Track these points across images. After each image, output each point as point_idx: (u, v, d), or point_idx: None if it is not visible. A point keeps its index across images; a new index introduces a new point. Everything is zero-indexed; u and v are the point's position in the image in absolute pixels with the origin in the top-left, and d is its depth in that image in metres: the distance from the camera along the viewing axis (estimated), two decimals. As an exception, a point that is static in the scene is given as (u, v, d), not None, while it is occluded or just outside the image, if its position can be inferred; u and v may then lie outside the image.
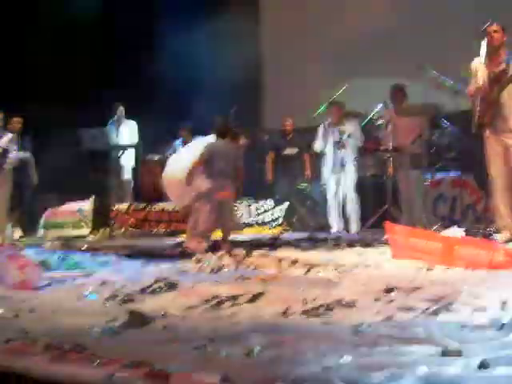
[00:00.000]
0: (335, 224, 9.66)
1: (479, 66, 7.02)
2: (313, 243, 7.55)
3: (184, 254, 6.84)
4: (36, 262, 5.32)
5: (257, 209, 11.37)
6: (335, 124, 9.68)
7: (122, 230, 10.87)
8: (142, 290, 4.27)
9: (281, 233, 9.85)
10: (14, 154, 10.02)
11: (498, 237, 6.76)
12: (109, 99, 11.97)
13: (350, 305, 3.53)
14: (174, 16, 12.90)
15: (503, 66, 6.93)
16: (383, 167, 8.78)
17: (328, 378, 2.23)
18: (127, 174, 11.97)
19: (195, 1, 12.91)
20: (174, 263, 5.82)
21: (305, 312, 3.42)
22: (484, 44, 6.91)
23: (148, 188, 11.21)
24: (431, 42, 10.75)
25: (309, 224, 10.22)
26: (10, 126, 10.82)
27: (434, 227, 7.93)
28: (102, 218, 11.09)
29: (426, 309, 3.36)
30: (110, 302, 4.01)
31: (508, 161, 6.94)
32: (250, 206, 11.35)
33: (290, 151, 11.34)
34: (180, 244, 7.81)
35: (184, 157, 8.02)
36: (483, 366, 2.24)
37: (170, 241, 8.62)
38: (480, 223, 7.99)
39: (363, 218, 9.60)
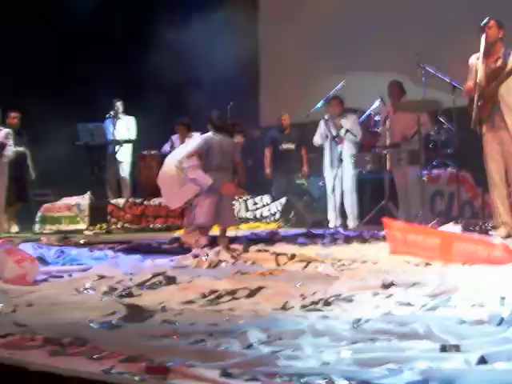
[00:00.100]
0: (333, 219, 9.68)
1: (477, 62, 7.03)
2: (310, 239, 7.55)
3: (182, 248, 6.84)
4: (33, 256, 5.30)
5: (254, 204, 11.38)
6: (334, 118, 9.69)
7: (119, 225, 10.86)
8: (140, 285, 4.26)
9: (278, 228, 9.86)
10: (11, 149, 10.01)
11: (496, 232, 6.77)
12: (106, 94, 11.96)
13: (349, 300, 3.54)
14: (171, 11, 12.91)
15: (500, 62, 6.94)
16: (381, 163, 8.78)
17: (327, 373, 2.23)
18: (125, 170, 11.97)
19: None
20: (172, 258, 5.81)
21: (303, 307, 3.43)
22: (483, 40, 6.92)
23: (145, 183, 11.22)
24: (430, 38, 10.76)
25: (306, 219, 10.22)
26: (8, 121, 10.83)
27: (431, 223, 7.94)
28: (98, 213, 11.08)
29: (425, 304, 3.37)
30: (108, 296, 4.01)
31: (505, 157, 6.95)
32: (246, 201, 11.36)
33: (287, 146, 11.35)
34: (177, 239, 7.80)
35: (179, 152, 8.02)
36: (482, 361, 2.23)
37: (168, 236, 8.61)
38: (477, 219, 8.00)
39: (361, 214, 9.61)
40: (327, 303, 3.46)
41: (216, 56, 11.97)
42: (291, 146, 11.45)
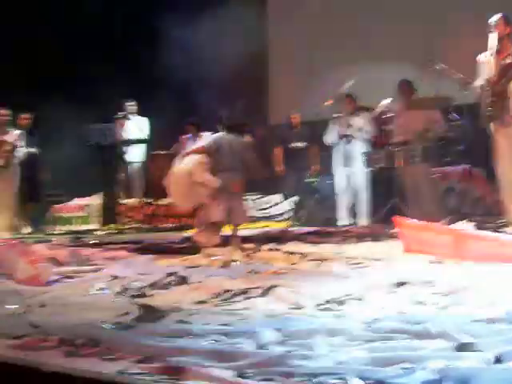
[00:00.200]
0: (343, 217, 9.66)
1: (486, 58, 7.00)
2: (322, 237, 7.54)
3: (194, 248, 6.84)
4: (46, 257, 5.32)
5: (264, 203, 11.37)
6: (347, 116, 9.68)
7: (131, 225, 10.88)
8: (153, 285, 4.27)
9: (289, 227, 9.84)
10: (22, 150, 10.05)
11: (509, 230, 6.74)
12: (119, 95, 11.99)
13: (361, 299, 3.53)
14: (181, 10, 12.90)
15: (510, 58, 6.91)
16: (392, 160, 8.75)
17: (341, 372, 2.23)
18: (136, 170, 11.99)
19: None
20: (184, 258, 5.82)
21: (316, 306, 3.42)
22: (492, 37, 6.89)
23: (156, 183, 11.21)
24: (442, 35, 10.73)
25: (317, 218, 10.20)
26: (19, 122, 10.88)
27: (443, 221, 7.91)
28: (110, 213, 11.10)
29: (438, 303, 3.36)
30: (121, 296, 4.02)
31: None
32: (257, 199, 11.34)
33: (297, 144, 11.34)
34: (189, 238, 7.81)
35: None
36: (498, 360, 2.22)
37: (179, 235, 8.61)
38: (490, 216, 7.96)
39: (372, 212, 9.59)
40: (340, 302, 3.46)
41: (225, 54, 11.95)
42: (301, 144, 11.43)
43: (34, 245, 6.78)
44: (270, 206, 11.32)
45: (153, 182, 11.56)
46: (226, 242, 7.03)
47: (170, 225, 10.85)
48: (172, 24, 12.34)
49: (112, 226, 10.83)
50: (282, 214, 11.19)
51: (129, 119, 11.83)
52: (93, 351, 2.68)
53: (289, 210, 11.02)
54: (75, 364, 2.50)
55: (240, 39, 11.76)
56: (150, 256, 6.01)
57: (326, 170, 10.59)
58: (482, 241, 5.08)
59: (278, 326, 2.89)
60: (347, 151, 9.50)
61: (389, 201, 9.01)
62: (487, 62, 6.96)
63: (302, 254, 5.51)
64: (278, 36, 13.91)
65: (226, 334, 2.83)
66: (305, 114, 11.35)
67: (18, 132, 10.14)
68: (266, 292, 3.79)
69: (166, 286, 4.24)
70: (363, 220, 9.60)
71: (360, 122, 9.63)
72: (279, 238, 7.59)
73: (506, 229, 6.86)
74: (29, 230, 10.97)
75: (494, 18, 6.90)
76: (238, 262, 5.42)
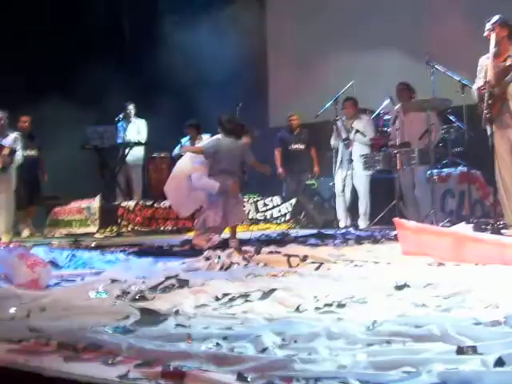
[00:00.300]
0: (342, 219, 9.66)
1: (487, 60, 7.01)
2: (321, 239, 7.54)
3: (193, 251, 6.85)
4: (46, 260, 5.31)
5: (264, 205, 11.37)
6: (348, 119, 9.70)
7: (130, 227, 10.88)
8: (153, 288, 4.26)
9: (288, 229, 9.84)
10: (19, 154, 10.03)
11: (509, 232, 6.74)
12: (117, 97, 12.00)
13: (362, 301, 3.52)
14: (178, 14, 12.92)
15: (509, 60, 6.92)
16: (391, 163, 8.76)
17: (343, 376, 2.22)
18: (135, 172, 11.99)
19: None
20: (184, 261, 5.81)
21: (317, 309, 3.41)
22: (491, 39, 6.89)
23: (155, 185, 11.22)
24: (440, 37, 10.73)
25: (317, 220, 10.20)
26: (18, 125, 10.87)
27: (442, 223, 7.91)
28: (109, 215, 11.10)
29: (439, 305, 3.35)
30: (121, 300, 4.00)
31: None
32: (257, 202, 11.34)
33: (297, 146, 11.34)
34: (188, 241, 7.82)
35: (186, 159, 8.09)
36: (499, 363, 2.22)
37: (178, 238, 8.61)
38: (489, 218, 7.96)
39: (372, 214, 9.59)
40: (341, 305, 3.45)
41: (225, 57, 11.97)
42: (301, 146, 11.45)
43: (34, 248, 6.77)
44: (270, 208, 11.31)
45: (151, 185, 11.58)
46: (225, 244, 7.04)
47: (169, 227, 10.85)
48: (171, 26, 12.37)
49: (111, 228, 10.82)
50: (281, 217, 11.18)
51: (130, 121, 11.83)
52: (93, 356, 2.67)
53: (288, 212, 11.01)
54: (75, 369, 2.49)
55: (239, 41, 11.78)
56: (150, 259, 5.99)
57: (326, 173, 10.60)
58: (481, 243, 5.07)
59: (278, 329, 2.88)
60: (347, 154, 9.50)
61: (388, 203, 9.02)
62: (488, 64, 6.96)
63: (301, 256, 5.49)
64: (278, 37, 13.91)
65: (226, 338, 2.82)
66: (305, 116, 11.35)
67: (14, 135, 10.11)
68: (266, 295, 3.78)
69: (165, 290, 4.22)
70: (363, 222, 9.61)
71: (360, 125, 9.64)
72: (279, 240, 7.59)
73: (505, 230, 6.86)
74: (27, 233, 10.96)
75: (491, 21, 6.92)
76: (237, 265, 5.41)
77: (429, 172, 8.37)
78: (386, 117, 9.79)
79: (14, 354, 2.77)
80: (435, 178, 8.42)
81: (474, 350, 2.39)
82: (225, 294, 3.90)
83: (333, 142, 9.94)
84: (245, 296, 3.82)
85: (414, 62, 9.47)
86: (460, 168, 9.16)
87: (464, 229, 6.65)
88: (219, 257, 5.71)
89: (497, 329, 2.73)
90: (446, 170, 9.17)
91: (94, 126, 11.42)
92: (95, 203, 11.44)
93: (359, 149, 9.58)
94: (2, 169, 9.73)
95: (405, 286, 3.89)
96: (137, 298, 4.00)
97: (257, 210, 11.34)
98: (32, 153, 10.97)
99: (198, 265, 5.48)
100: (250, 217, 11.01)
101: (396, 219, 6.11)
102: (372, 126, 9.79)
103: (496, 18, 6.93)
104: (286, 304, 3.59)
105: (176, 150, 11.34)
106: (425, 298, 3.54)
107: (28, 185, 10.80)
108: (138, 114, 12.01)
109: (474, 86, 7.24)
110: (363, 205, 9.75)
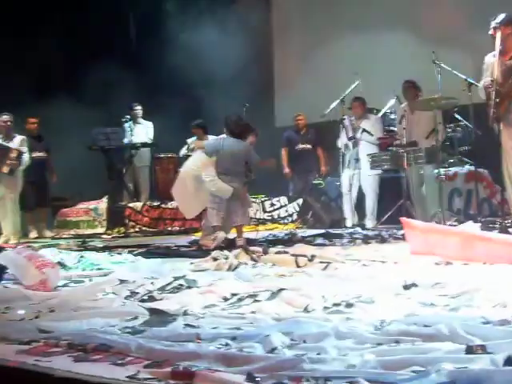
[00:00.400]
0: (350, 219, 9.65)
1: (493, 59, 6.98)
2: (329, 239, 7.54)
3: (200, 251, 6.86)
4: (54, 262, 5.32)
5: (271, 205, 11.38)
6: (357, 119, 9.68)
7: (137, 228, 10.88)
8: (161, 289, 4.27)
9: (296, 229, 9.84)
10: (26, 156, 10.03)
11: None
12: (124, 98, 12.02)
13: (370, 301, 3.52)
14: (184, 14, 12.92)
15: (516, 59, 6.90)
16: (398, 162, 8.75)
17: (352, 376, 2.22)
18: (142, 173, 12.00)
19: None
20: (191, 261, 5.82)
21: (325, 309, 3.42)
22: (497, 37, 6.87)
23: (162, 186, 11.23)
24: (446, 36, 10.71)
25: (324, 220, 10.19)
26: (27, 127, 10.90)
27: (450, 222, 7.90)
28: (116, 216, 11.11)
29: (447, 304, 3.35)
30: (130, 300, 4.02)
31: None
32: (264, 202, 11.35)
33: (304, 146, 11.34)
34: (196, 242, 7.83)
35: (194, 160, 8.16)
36: (509, 362, 2.21)
37: (185, 239, 8.63)
38: (496, 217, 7.95)
39: (379, 213, 9.58)
40: (349, 305, 3.45)
41: (231, 56, 11.97)
42: (308, 146, 11.45)
43: (42, 250, 6.79)
44: (277, 208, 11.32)
45: (158, 185, 11.59)
46: (232, 244, 7.05)
47: (177, 228, 10.86)
48: (177, 26, 12.37)
49: (118, 229, 10.84)
50: (288, 216, 11.19)
51: (138, 123, 11.84)
52: (102, 356, 2.68)
53: (295, 212, 11.01)
54: (85, 369, 2.50)
55: (246, 41, 11.78)
56: (158, 260, 6.00)
57: (333, 172, 10.59)
58: (489, 242, 5.07)
59: (286, 329, 2.88)
60: (354, 153, 9.49)
61: (395, 202, 9.00)
62: (494, 62, 6.94)
63: (309, 256, 5.49)
64: (284, 36, 13.91)
65: (234, 338, 2.82)
66: (311, 116, 11.35)
67: (20, 137, 10.12)
68: (274, 295, 3.79)
69: (174, 290, 4.23)
70: (370, 221, 9.60)
71: (368, 124, 9.63)
72: (286, 240, 7.60)
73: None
74: (35, 234, 10.98)
75: (497, 19, 6.89)
76: (245, 265, 5.41)
77: (436, 171, 8.35)
78: (392, 116, 9.77)
79: (23, 354, 2.78)
80: (442, 176, 8.40)
81: (483, 348, 2.39)
82: (233, 294, 3.91)
83: (340, 141, 9.92)
84: (253, 296, 3.83)
85: (421, 61, 9.44)
86: (467, 167, 9.13)
87: (471, 228, 6.65)
88: (227, 257, 5.72)
89: (505, 328, 2.73)
90: (453, 169, 9.14)
91: (101, 127, 11.43)
92: (102, 204, 11.46)
93: (366, 148, 9.56)
94: (10, 172, 9.73)
95: (413, 285, 3.89)
96: (145, 298, 4.01)
97: (264, 210, 11.35)
98: (40, 154, 10.97)
99: (206, 265, 5.49)
100: (257, 217, 11.01)
101: (403, 219, 6.10)
102: (380, 125, 9.76)
103: (502, 16, 6.91)
104: (294, 304, 3.59)
105: (183, 151, 11.34)
106: (433, 298, 3.54)
107: (36, 186, 10.81)
108: (145, 115, 12.01)
109: (481, 84, 7.22)
110: (370, 204, 9.73)
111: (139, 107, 11.93)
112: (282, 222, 11.14)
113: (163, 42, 12.68)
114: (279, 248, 6.34)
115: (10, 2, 12.02)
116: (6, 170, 9.70)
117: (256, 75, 12.79)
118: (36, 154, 10.79)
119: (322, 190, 10.85)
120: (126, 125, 11.71)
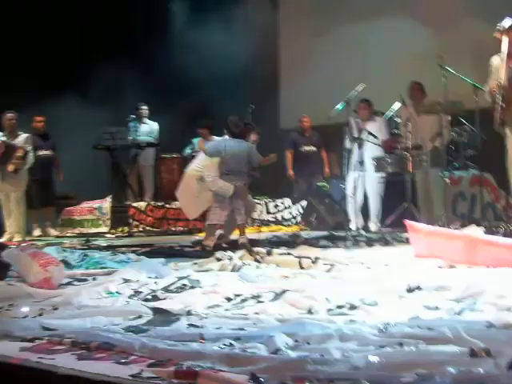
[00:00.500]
0: (354, 221, 9.64)
1: (499, 61, 6.98)
2: (332, 241, 7.54)
3: (204, 252, 6.86)
4: (58, 260, 5.33)
5: (275, 206, 11.38)
6: (362, 121, 9.66)
7: (141, 228, 10.89)
8: (165, 288, 4.27)
9: (299, 231, 9.84)
10: (30, 155, 10.04)
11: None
12: (129, 97, 12.03)
13: (374, 304, 3.52)
14: (191, 13, 12.94)
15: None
16: (402, 165, 8.73)
17: (356, 378, 2.22)
18: (146, 173, 12.00)
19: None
20: (195, 261, 5.82)
21: (329, 310, 3.42)
22: (505, 40, 6.86)
23: (166, 186, 11.24)
24: (451, 39, 10.71)
25: (327, 222, 10.19)
26: (33, 125, 10.91)
27: (454, 225, 7.89)
28: (120, 216, 11.12)
29: (451, 308, 3.35)
30: (134, 299, 4.02)
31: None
32: (267, 203, 11.35)
33: (309, 148, 11.34)
34: (199, 242, 7.84)
35: (198, 161, 8.21)
36: (513, 365, 2.22)
37: (189, 239, 8.64)
38: (500, 221, 7.94)
39: (383, 216, 9.57)
40: (353, 307, 3.45)
41: (237, 57, 11.98)
42: (312, 148, 11.44)
43: (46, 248, 6.80)
44: (281, 210, 11.32)
45: (163, 185, 11.60)
46: (235, 244, 7.07)
47: (180, 228, 10.87)
48: (184, 26, 12.39)
49: (122, 228, 10.84)
50: (292, 218, 11.19)
51: (143, 122, 11.85)
52: (106, 355, 2.69)
53: (299, 213, 11.01)
54: (89, 367, 2.51)
55: (251, 42, 11.79)
56: (162, 259, 6.00)
57: (337, 174, 10.58)
58: (493, 245, 5.06)
59: (290, 330, 2.88)
60: (359, 155, 9.46)
61: (399, 205, 8.99)
62: (499, 67, 6.93)
63: (313, 258, 5.49)
64: (290, 38, 13.91)
65: (238, 338, 2.83)
66: (316, 118, 11.34)
67: (25, 136, 10.12)
68: (277, 296, 3.79)
69: (178, 290, 4.24)
70: (374, 224, 9.59)
71: (373, 126, 9.60)
72: (290, 242, 7.60)
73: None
74: (39, 232, 10.99)
75: (505, 24, 6.87)
76: (249, 266, 5.42)
77: (441, 174, 8.34)
78: (397, 119, 9.75)
79: (27, 352, 2.79)
80: (447, 180, 8.39)
81: (487, 352, 2.38)
82: (237, 295, 3.91)
83: (346, 142, 9.90)
84: (256, 297, 3.83)
85: (427, 64, 9.43)
86: (472, 171, 9.12)
87: (475, 231, 6.64)
88: (231, 258, 5.73)
89: (509, 331, 2.73)
90: (457, 173, 9.13)
91: (107, 126, 11.43)
92: (106, 203, 11.48)
93: (371, 150, 9.53)
94: (15, 170, 9.74)
95: (416, 288, 3.89)
96: (149, 297, 4.02)
97: (268, 212, 11.35)
98: (46, 152, 10.98)
99: (210, 265, 5.49)
100: (260, 218, 11.02)
101: (407, 222, 6.09)
102: (385, 128, 9.74)
103: (509, 21, 6.89)
104: (297, 305, 3.59)
105: (186, 150, 11.36)
106: (437, 301, 3.54)
107: (41, 185, 10.82)
108: (151, 115, 12.02)
109: (486, 87, 7.22)
110: (374, 207, 9.72)
111: (145, 107, 11.94)
112: (285, 223, 11.14)
113: (170, 42, 12.70)
114: (283, 249, 6.33)
115: (21, 2, 12.04)
116: (11, 168, 9.71)
117: (261, 76, 12.81)
118: (42, 153, 10.81)
119: (326, 192, 10.85)
120: (131, 124, 11.72)
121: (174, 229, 10.89)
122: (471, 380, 2.12)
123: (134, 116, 11.77)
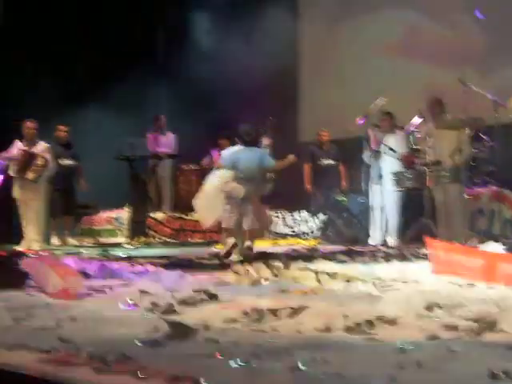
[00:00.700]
0: (373, 236, 9.61)
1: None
2: (350, 256, 7.50)
3: (222, 265, 6.86)
4: (76, 270, 5.35)
5: (293, 220, 11.37)
6: (383, 134, 9.64)
7: (158, 239, 10.91)
8: (182, 301, 4.26)
9: (317, 244, 9.81)
10: (50, 164, 10.08)
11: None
12: (150, 109, 12.09)
13: (393, 322, 3.49)
14: (212, 25, 12.99)
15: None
16: (422, 180, 8.70)
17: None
18: (165, 184, 12.03)
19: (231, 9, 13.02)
20: (212, 274, 5.82)
21: (347, 328, 3.39)
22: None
23: (184, 197, 11.27)
24: (473, 54, 10.67)
25: (345, 236, 10.16)
26: (56, 134, 10.97)
27: (473, 242, 7.84)
28: (138, 226, 11.14)
29: (471, 327, 3.31)
30: (151, 312, 4.01)
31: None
32: (285, 216, 11.34)
33: (327, 162, 11.32)
34: (217, 254, 7.84)
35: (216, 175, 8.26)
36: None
37: (207, 251, 8.64)
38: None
39: (401, 231, 9.53)
40: (371, 324, 3.42)
41: (256, 69, 12.01)
42: (331, 161, 11.42)
43: (65, 257, 6.82)
44: (299, 223, 11.31)
45: (181, 197, 11.62)
46: (256, 257, 7.05)
47: (198, 239, 10.88)
48: (204, 38, 12.44)
49: (139, 239, 10.87)
50: (310, 232, 11.16)
51: (161, 133, 11.90)
52: (124, 368, 2.68)
53: (317, 227, 10.99)
54: (107, 381, 2.50)
55: (271, 53, 11.82)
56: (179, 272, 5.99)
57: (356, 189, 10.56)
58: (512, 263, 5.02)
59: (309, 347, 2.87)
60: (378, 169, 9.42)
61: (417, 220, 8.96)
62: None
63: (330, 273, 5.47)
64: (310, 50, 13.91)
65: (255, 354, 2.81)
66: (335, 132, 11.34)
67: (45, 145, 10.17)
68: (295, 312, 3.77)
69: (195, 303, 4.22)
70: (392, 239, 9.54)
71: (393, 140, 9.57)
72: (308, 256, 7.58)
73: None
74: (58, 242, 11.02)
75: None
76: (266, 280, 5.40)
77: (460, 190, 8.30)
78: (418, 134, 9.71)
79: (43, 363, 2.77)
80: (467, 196, 8.35)
81: (507, 374, 2.36)
82: (254, 310, 3.89)
83: (365, 156, 9.87)
84: (274, 312, 3.81)
85: (447, 80, 9.41)
86: (491, 187, 9.07)
87: (495, 249, 6.59)
88: (248, 271, 5.71)
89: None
90: (477, 189, 9.09)
91: (127, 137, 11.49)
92: (125, 214, 11.51)
93: (390, 165, 9.50)
94: (35, 179, 9.78)
95: (435, 306, 3.85)
96: (166, 310, 4.01)
97: (285, 224, 11.34)
98: (69, 162, 11.03)
99: (227, 279, 5.48)
100: (278, 231, 11.01)
101: (427, 238, 6.06)
102: (405, 142, 9.69)
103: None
104: (315, 321, 3.57)
105: (205, 160, 11.44)
106: (456, 320, 3.51)
107: (63, 194, 10.87)
108: (170, 125, 12.07)
109: (508, 105, 7.18)
110: (393, 222, 9.67)
111: (164, 118, 11.99)
112: (303, 236, 11.12)
113: (190, 53, 12.74)
114: (300, 263, 6.31)
115: (42, 13, 12.12)
116: (31, 176, 9.76)
117: (281, 88, 12.83)
118: (64, 162, 10.86)
119: (344, 206, 10.82)
120: (151, 135, 11.78)
121: (191, 240, 10.91)
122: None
123: (153, 127, 11.83)
